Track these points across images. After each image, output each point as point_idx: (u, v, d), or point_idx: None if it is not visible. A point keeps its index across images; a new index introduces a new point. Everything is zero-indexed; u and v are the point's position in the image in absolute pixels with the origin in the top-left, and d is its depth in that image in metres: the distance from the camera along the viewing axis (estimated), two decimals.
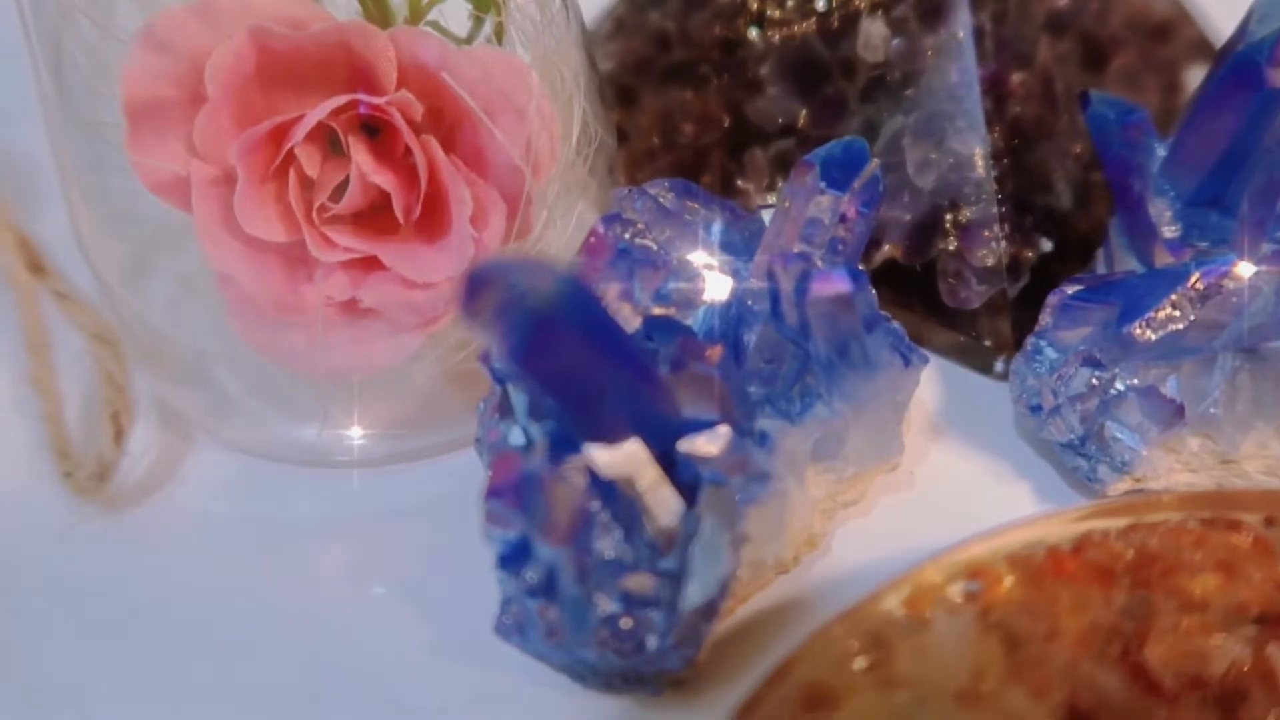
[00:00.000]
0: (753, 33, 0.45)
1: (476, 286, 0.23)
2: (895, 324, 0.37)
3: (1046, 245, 0.41)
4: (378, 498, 0.39)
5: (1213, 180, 0.34)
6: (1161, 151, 0.36)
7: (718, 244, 0.38)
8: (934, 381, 0.41)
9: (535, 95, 0.34)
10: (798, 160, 0.44)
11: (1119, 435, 0.33)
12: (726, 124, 0.46)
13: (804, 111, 0.44)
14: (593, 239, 0.33)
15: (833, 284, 0.31)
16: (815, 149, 0.43)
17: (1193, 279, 0.32)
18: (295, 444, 0.40)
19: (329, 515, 0.39)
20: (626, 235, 0.34)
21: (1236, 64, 0.31)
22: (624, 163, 0.49)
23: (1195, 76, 0.52)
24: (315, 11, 0.34)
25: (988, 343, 0.40)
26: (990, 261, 0.40)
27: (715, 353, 0.30)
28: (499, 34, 0.37)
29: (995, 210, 0.40)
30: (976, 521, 0.35)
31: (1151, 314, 0.32)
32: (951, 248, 0.41)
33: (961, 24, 0.40)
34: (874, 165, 0.34)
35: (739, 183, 0.46)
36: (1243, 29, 0.32)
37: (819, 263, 0.33)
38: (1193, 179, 0.35)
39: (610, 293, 0.32)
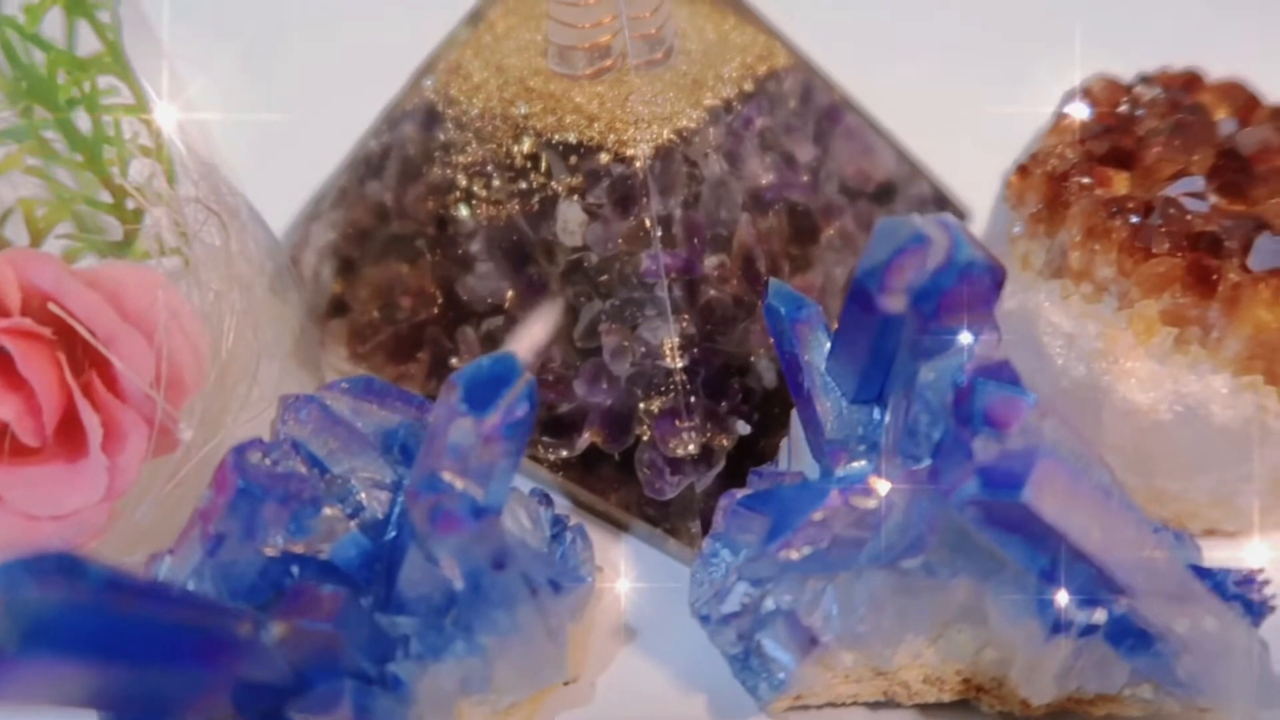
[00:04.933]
0: (463, 210, 0.45)
1: None
2: (573, 528, 0.36)
3: (744, 429, 0.41)
4: None
5: (865, 386, 0.34)
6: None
7: (398, 450, 0.37)
8: (637, 576, 0.40)
9: (167, 313, 0.33)
10: (504, 341, 0.44)
11: (773, 654, 0.33)
12: (440, 300, 0.45)
13: (510, 291, 0.43)
14: (219, 475, 0.32)
15: (455, 523, 0.29)
16: (519, 327, 0.44)
17: (831, 496, 0.32)
18: None
19: None
20: (268, 461, 0.32)
21: (854, 289, 0.31)
22: (346, 335, 0.47)
23: None
24: None
25: (687, 537, 0.40)
26: (680, 451, 0.39)
27: (331, 600, 0.29)
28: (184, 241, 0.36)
29: (684, 400, 0.40)
30: None
31: (794, 532, 0.32)
32: (646, 437, 0.40)
33: (649, 212, 0.40)
34: (524, 381, 0.33)
35: (453, 361, 0.45)
36: None
37: (464, 488, 0.31)
38: (850, 382, 0.35)
39: (231, 534, 0.31)
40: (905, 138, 0.53)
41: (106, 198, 0.34)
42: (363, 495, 0.34)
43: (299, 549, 0.31)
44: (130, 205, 0.34)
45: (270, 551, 0.31)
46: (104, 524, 0.33)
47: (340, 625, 0.29)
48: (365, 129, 0.49)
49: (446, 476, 0.32)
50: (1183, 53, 0.47)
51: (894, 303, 0.30)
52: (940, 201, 0.54)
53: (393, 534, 0.33)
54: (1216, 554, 0.39)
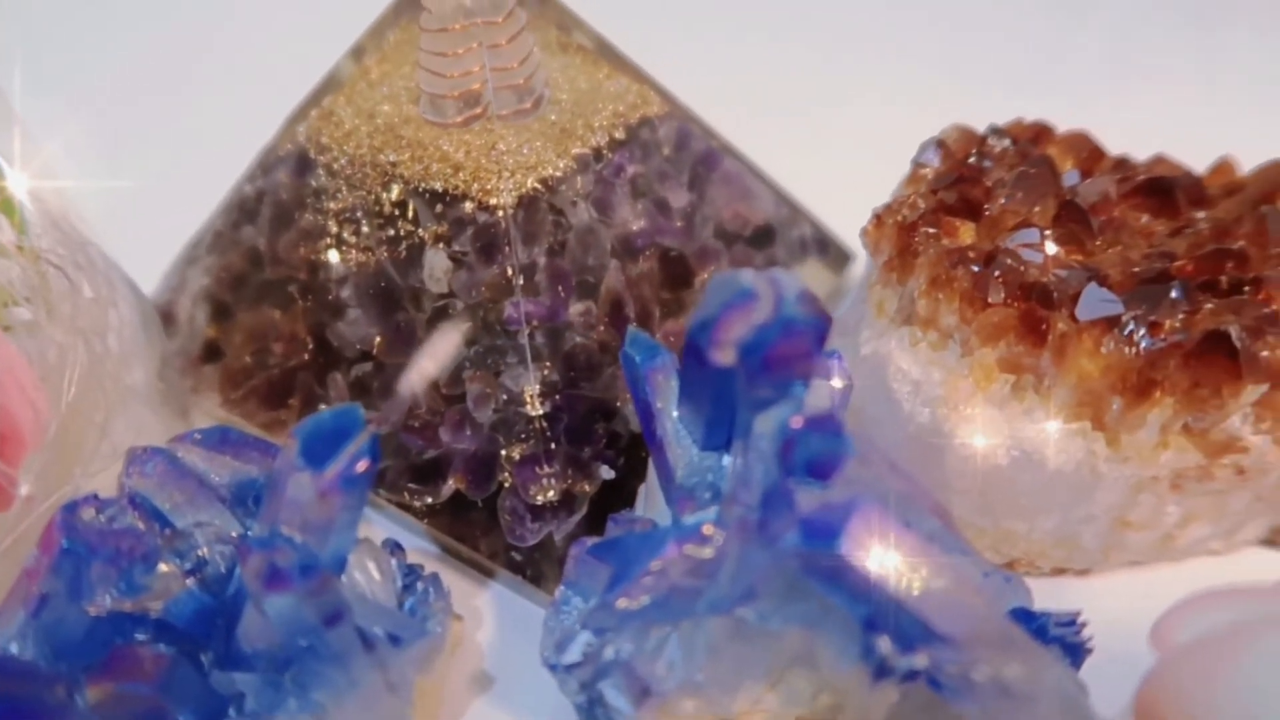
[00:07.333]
0: (334, 256, 0.45)
1: None
2: (426, 578, 0.36)
3: (607, 474, 0.41)
4: None
5: (712, 433, 0.35)
6: None
7: (252, 502, 0.36)
8: (500, 623, 0.40)
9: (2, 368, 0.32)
10: (373, 387, 0.44)
11: (614, 703, 0.33)
12: (311, 346, 0.45)
13: (379, 338, 0.43)
14: (45, 534, 0.31)
15: (285, 581, 0.29)
16: (394, 374, 0.44)
17: (669, 546, 0.32)
18: None
19: None
20: (102, 518, 0.32)
21: (688, 342, 0.32)
22: (219, 381, 0.47)
23: (808, 274, 0.55)
24: None
25: (550, 584, 0.40)
26: (541, 498, 0.40)
27: (153, 661, 0.29)
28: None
29: (544, 447, 0.40)
30: None
31: (632, 582, 0.32)
32: (509, 484, 0.40)
33: (512, 260, 0.41)
34: (365, 434, 0.33)
35: (323, 408, 0.45)
36: None
37: (300, 544, 0.31)
38: (698, 429, 0.35)
39: (56, 594, 0.30)
40: (791, 180, 0.54)
41: None
42: (205, 550, 0.34)
43: (127, 607, 0.31)
44: None
45: (95, 611, 0.30)
46: None
47: (165, 685, 0.28)
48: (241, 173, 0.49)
49: (284, 532, 0.32)
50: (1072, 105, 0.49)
51: (723, 356, 0.31)
52: (822, 244, 0.55)
53: (234, 589, 0.33)
54: (1067, 592, 0.40)
